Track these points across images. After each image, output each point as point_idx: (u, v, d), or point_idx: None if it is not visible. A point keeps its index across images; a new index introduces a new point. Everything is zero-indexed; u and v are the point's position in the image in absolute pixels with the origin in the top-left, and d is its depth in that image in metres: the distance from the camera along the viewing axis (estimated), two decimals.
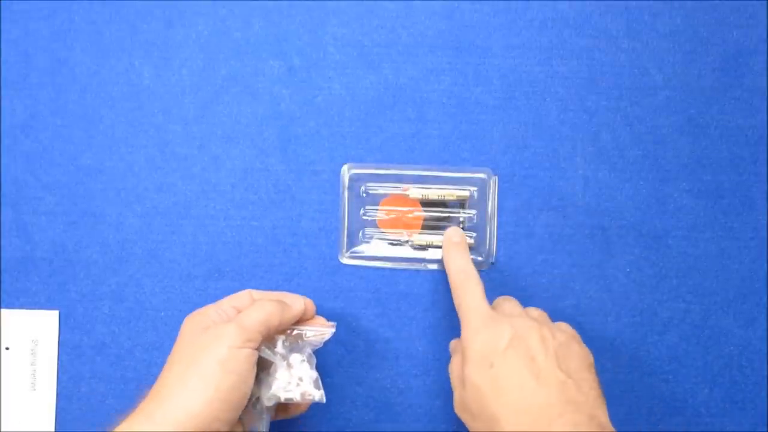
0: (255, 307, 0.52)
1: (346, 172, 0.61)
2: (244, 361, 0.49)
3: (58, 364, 0.62)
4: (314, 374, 0.54)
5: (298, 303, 0.55)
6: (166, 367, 0.50)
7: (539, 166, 0.61)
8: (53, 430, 0.61)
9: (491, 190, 0.61)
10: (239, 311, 0.53)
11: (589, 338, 0.60)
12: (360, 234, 0.61)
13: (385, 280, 0.61)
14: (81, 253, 0.62)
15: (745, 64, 0.61)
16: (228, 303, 0.55)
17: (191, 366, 0.48)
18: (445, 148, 0.61)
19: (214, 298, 0.61)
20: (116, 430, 0.47)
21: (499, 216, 0.61)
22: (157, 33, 0.62)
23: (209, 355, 0.48)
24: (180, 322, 0.61)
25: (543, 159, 0.61)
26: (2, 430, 0.61)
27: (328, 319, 0.57)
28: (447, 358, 0.61)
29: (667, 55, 0.61)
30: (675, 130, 0.61)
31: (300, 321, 0.56)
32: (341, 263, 0.61)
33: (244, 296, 0.56)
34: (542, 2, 0.61)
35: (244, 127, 0.62)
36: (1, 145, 0.62)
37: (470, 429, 0.50)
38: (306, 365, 0.54)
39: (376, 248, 0.61)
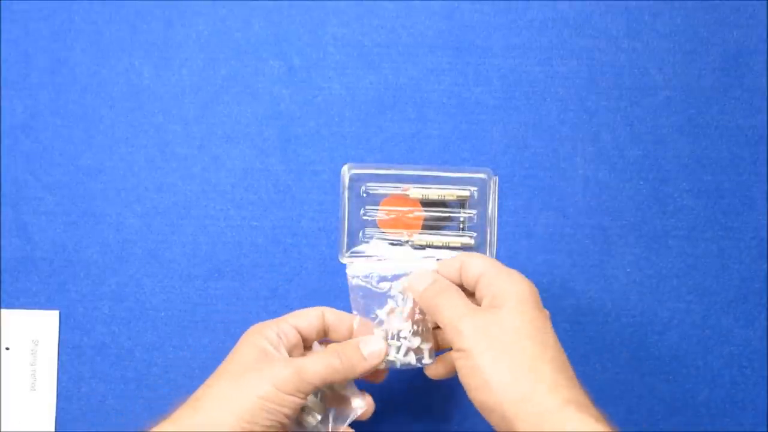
0: (322, 359, 0.50)
1: (346, 172, 0.61)
2: (286, 407, 0.47)
3: (58, 364, 0.62)
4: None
5: (374, 359, 0.51)
6: (214, 376, 0.49)
7: (539, 166, 0.61)
8: (53, 430, 0.61)
9: (491, 190, 0.61)
10: (302, 335, 0.51)
11: (589, 338, 0.60)
12: (360, 234, 0.61)
13: None
14: (81, 253, 0.62)
15: (745, 64, 0.61)
16: (291, 322, 0.52)
17: (234, 390, 0.47)
18: (445, 148, 0.61)
19: (214, 298, 0.61)
20: None
21: (499, 216, 0.61)
22: (157, 33, 0.62)
23: (254, 387, 0.47)
24: (180, 322, 0.61)
25: (543, 159, 0.61)
26: (2, 430, 0.61)
27: None
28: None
29: (667, 55, 0.61)
30: (675, 130, 0.61)
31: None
32: (341, 263, 0.61)
33: (311, 316, 0.53)
34: (542, 2, 0.61)
35: (244, 127, 0.62)
36: (1, 145, 0.62)
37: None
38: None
39: (376, 248, 0.61)
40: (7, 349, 0.62)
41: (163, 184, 0.62)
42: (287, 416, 0.48)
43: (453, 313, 0.48)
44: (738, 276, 0.61)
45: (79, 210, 0.62)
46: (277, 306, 0.61)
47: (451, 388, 0.61)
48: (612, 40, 0.61)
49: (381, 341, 0.52)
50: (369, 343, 0.52)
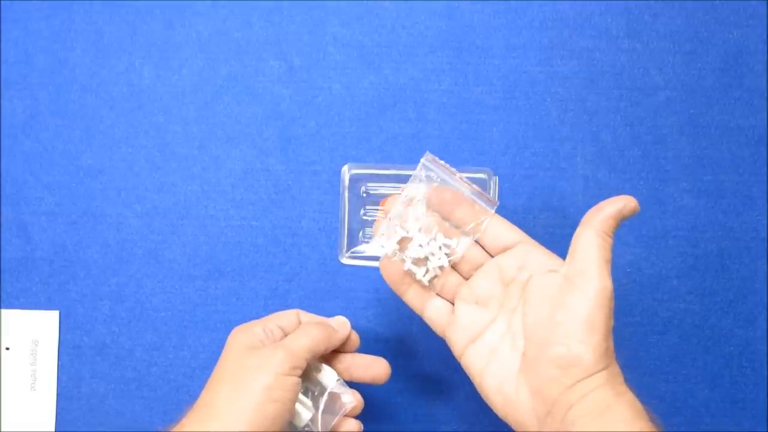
0: (302, 332, 0.52)
1: (346, 172, 0.61)
2: (289, 390, 0.48)
3: (58, 364, 0.62)
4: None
5: (344, 328, 0.55)
6: (211, 383, 0.50)
7: (539, 166, 0.61)
8: (53, 430, 0.61)
9: (491, 190, 0.61)
10: (284, 332, 0.53)
11: None
12: (360, 234, 0.61)
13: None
14: (81, 253, 0.62)
15: (745, 64, 0.61)
16: (274, 322, 0.53)
17: (237, 389, 0.48)
18: (445, 148, 0.61)
19: (214, 298, 0.61)
20: None
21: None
22: (157, 33, 0.62)
23: (256, 380, 0.48)
24: (180, 322, 0.61)
25: (543, 159, 0.61)
26: (2, 430, 0.61)
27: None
28: (446, 357, 0.61)
29: (667, 55, 0.61)
30: (675, 130, 0.61)
31: (341, 349, 0.56)
32: (341, 263, 0.61)
33: (290, 316, 0.55)
34: (542, 2, 0.61)
35: (244, 127, 0.62)
36: (1, 145, 0.62)
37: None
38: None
39: (376, 248, 0.61)
40: (7, 349, 0.62)
41: (163, 184, 0.62)
42: (291, 400, 0.49)
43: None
44: (738, 276, 0.61)
45: (79, 210, 0.62)
46: (277, 306, 0.61)
47: (448, 391, 0.61)
48: (612, 40, 0.61)
49: (347, 325, 0.56)
50: (333, 320, 0.56)
